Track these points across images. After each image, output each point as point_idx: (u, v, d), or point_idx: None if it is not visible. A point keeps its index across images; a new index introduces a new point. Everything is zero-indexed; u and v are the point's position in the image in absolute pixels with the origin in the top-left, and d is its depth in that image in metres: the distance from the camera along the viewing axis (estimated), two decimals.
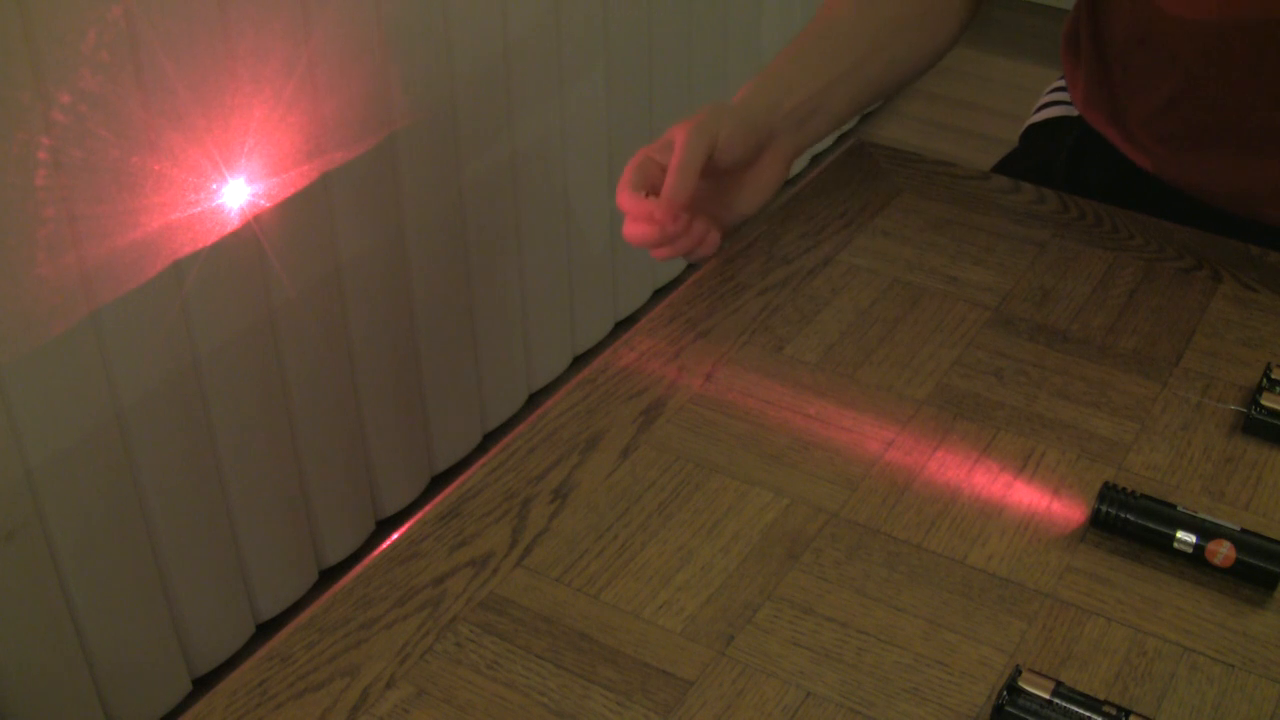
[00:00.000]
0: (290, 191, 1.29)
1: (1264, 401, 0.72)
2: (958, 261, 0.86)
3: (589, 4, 1.66)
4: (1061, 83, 1.09)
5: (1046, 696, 0.56)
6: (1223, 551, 0.63)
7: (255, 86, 1.23)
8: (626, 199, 0.78)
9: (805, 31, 0.91)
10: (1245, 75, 0.89)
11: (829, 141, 2.12)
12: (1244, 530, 0.64)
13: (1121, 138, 0.99)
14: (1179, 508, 0.65)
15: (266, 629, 1.47)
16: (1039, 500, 0.68)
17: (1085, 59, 1.02)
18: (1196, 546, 0.64)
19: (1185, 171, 0.96)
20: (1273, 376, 0.74)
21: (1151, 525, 0.65)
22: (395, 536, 0.66)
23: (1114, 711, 0.56)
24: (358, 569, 0.64)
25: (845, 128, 0.94)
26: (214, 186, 1.21)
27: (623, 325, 1.93)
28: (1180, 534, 0.64)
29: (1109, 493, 0.66)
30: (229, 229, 1.24)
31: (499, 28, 1.52)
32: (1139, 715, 0.56)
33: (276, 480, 1.42)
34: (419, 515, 0.67)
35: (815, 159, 2.12)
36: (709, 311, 0.81)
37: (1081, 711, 0.56)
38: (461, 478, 0.69)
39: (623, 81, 1.78)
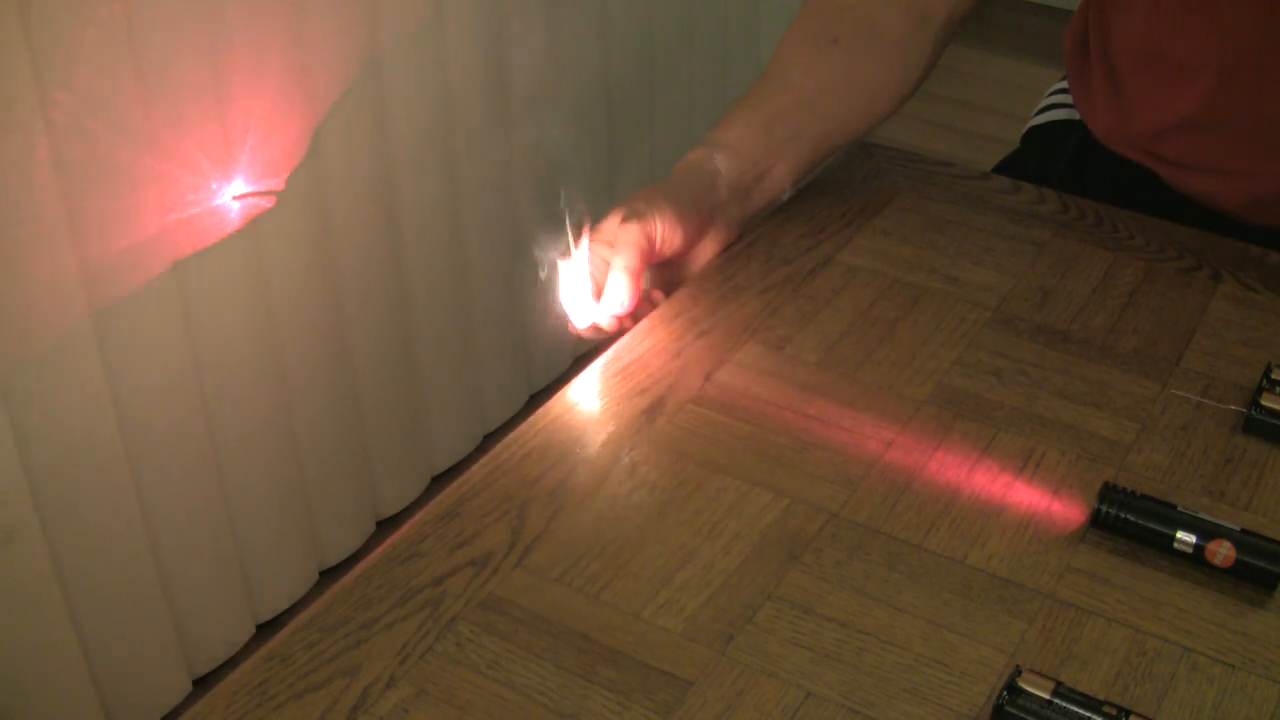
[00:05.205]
0: (289, 192, 1.29)
1: (1264, 401, 0.72)
2: (958, 261, 0.86)
3: (588, 3, 1.66)
4: (1063, 84, 1.09)
5: (1046, 696, 0.56)
6: (1223, 551, 0.63)
7: (254, 86, 1.23)
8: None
9: (753, 88, 0.88)
10: (1266, 92, 0.88)
11: None
12: (1244, 530, 0.64)
13: (1131, 149, 0.98)
14: (1179, 508, 0.65)
15: (266, 629, 1.47)
16: (1039, 500, 0.68)
17: (1093, 72, 1.01)
18: (1196, 546, 0.64)
19: (1195, 182, 0.96)
20: (1273, 376, 0.74)
21: (1151, 525, 0.65)
22: (395, 537, 0.66)
23: (1114, 711, 0.56)
24: (358, 569, 0.64)
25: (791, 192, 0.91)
26: (214, 186, 1.21)
27: None
28: (1180, 534, 0.64)
29: (1109, 493, 0.66)
30: (229, 229, 1.24)
31: (498, 26, 1.52)
32: (1139, 715, 0.56)
33: (276, 481, 1.42)
34: (419, 515, 0.67)
35: None
36: (709, 311, 0.81)
37: (1081, 711, 0.56)
38: (461, 478, 0.69)
39: (623, 80, 1.78)
